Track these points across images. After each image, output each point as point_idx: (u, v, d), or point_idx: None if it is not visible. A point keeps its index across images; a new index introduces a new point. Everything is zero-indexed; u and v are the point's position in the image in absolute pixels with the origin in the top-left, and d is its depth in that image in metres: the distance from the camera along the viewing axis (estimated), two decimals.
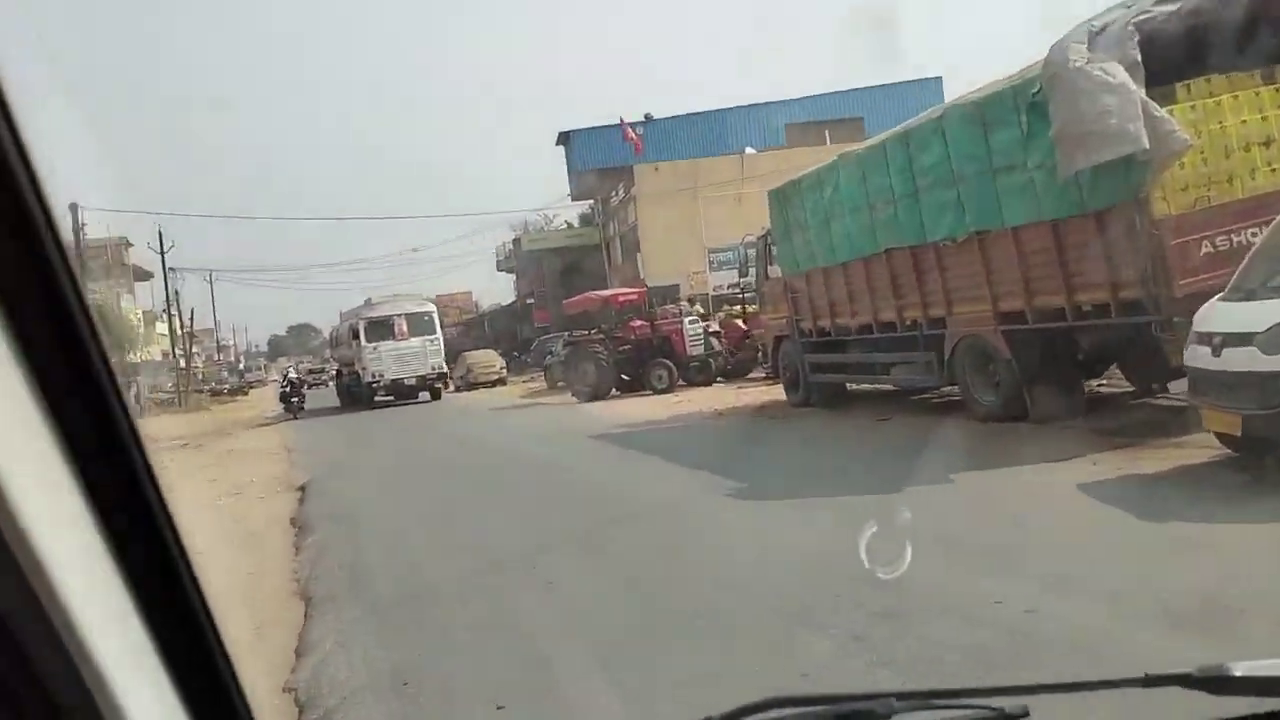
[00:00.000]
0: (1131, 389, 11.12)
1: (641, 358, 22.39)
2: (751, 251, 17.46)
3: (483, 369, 34.82)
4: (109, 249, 41.86)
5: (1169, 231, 8.28)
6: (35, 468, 0.81)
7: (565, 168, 44.33)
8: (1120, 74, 8.09)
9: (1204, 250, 8.24)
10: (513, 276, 56.70)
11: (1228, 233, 8.26)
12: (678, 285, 32.50)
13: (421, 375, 29.22)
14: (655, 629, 5.16)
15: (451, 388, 32.17)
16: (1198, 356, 6.84)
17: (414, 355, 29.15)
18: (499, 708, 4.25)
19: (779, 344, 15.97)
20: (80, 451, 0.85)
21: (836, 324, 13.77)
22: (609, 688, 4.43)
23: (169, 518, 0.93)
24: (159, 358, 47.07)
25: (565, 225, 48.99)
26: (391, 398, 29.46)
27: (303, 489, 12.51)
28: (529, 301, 49.64)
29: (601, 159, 40.29)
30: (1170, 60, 8.50)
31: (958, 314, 11.10)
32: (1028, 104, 9.13)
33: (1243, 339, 6.33)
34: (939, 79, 39.19)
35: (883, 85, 40.27)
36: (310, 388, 36.17)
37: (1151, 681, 1.14)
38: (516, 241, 50.72)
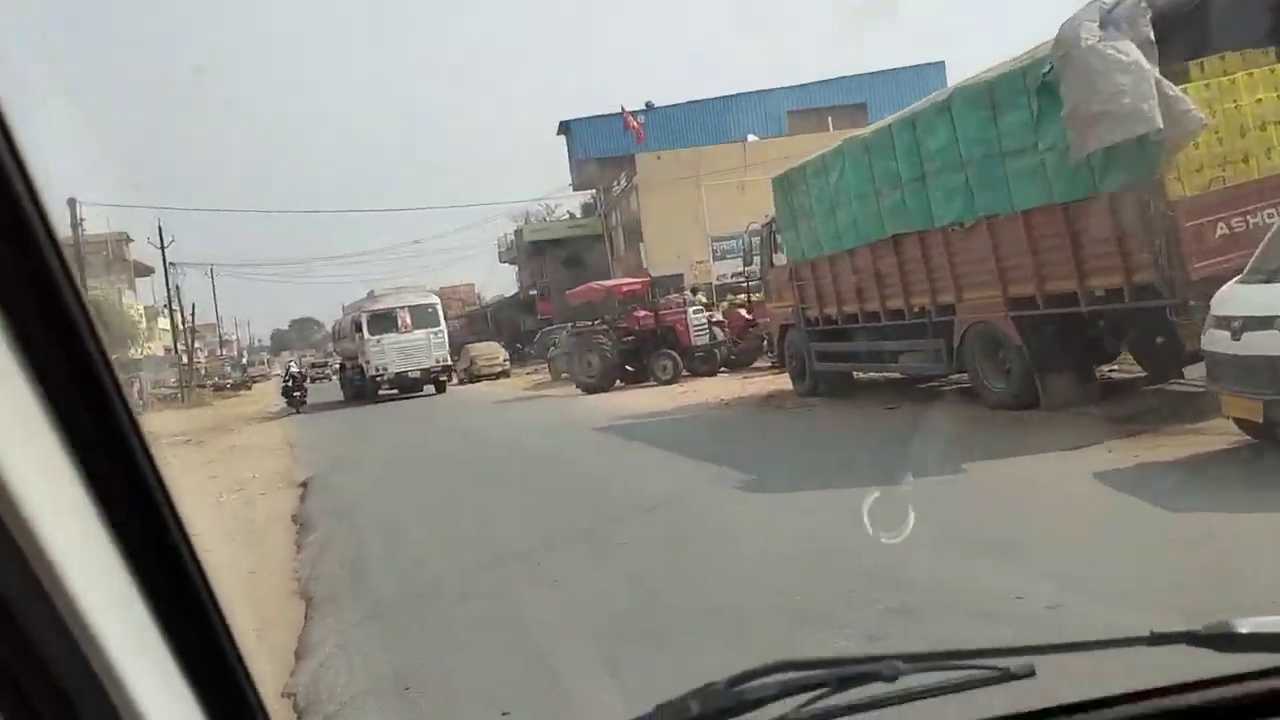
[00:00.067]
0: (1145, 375, 10.93)
1: (645, 348, 22.15)
2: (755, 239, 17.28)
3: (486, 361, 34.59)
4: (109, 244, 41.75)
5: (1183, 213, 8.12)
6: (35, 455, 0.82)
7: (566, 157, 44.18)
8: (1133, 52, 7.92)
9: (1219, 232, 8.09)
10: (515, 268, 56.51)
11: (1244, 214, 8.11)
12: (681, 275, 32.30)
13: (425, 368, 28.77)
14: (662, 628, 5.01)
15: (455, 380, 31.96)
16: (1216, 341, 6.68)
17: (418, 348, 28.71)
18: (504, 714, 4.11)
19: (784, 333, 15.78)
20: (79, 440, 0.86)
21: (843, 311, 13.57)
22: (614, 690, 4.28)
23: (171, 504, 0.94)
24: (161, 353, 47.07)
25: (567, 216, 48.83)
26: (395, 391, 29.19)
27: (304, 485, 12.40)
28: (532, 293, 49.45)
29: (603, 148, 40.06)
30: (1184, 38, 8.34)
31: (967, 300, 10.92)
32: (1038, 85, 8.94)
33: (1264, 322, 6.18)
34: (941, 64, 38.84)
35: (885, 71, 40.04)
36: (313, 382, 36.08)
37: (1157, 640, 1.14)
38: (518, 233, 50.48)
